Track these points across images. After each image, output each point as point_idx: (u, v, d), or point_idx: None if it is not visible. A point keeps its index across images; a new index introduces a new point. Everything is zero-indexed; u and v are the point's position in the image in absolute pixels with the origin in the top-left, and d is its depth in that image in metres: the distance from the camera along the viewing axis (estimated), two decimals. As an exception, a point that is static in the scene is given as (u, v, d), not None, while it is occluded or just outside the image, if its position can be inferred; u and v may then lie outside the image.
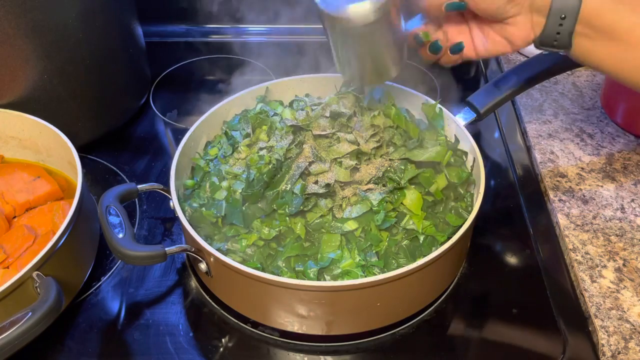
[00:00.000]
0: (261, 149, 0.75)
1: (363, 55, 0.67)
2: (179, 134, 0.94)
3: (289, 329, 0.69)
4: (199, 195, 0.75)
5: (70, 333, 0.70)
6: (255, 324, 0.71)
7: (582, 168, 0.88)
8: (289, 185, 0.70)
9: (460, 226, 0.68)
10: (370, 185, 0.70)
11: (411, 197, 0.70)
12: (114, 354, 0.69)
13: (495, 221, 0.84)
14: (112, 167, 0.93)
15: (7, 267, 0.70)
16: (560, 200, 0.83)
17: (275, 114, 0.80)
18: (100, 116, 0.96)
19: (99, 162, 0.94)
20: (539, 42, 0.65)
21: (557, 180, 0.86)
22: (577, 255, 0.76)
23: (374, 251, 0.67)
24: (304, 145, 0.73)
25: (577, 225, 0.79)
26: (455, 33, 0.69)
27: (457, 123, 0.79)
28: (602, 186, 0.85)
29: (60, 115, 0.87)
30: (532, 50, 1.06)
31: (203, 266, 0.68)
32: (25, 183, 0.80)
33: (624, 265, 0.74)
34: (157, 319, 0.72)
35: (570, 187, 0.85)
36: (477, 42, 0.68)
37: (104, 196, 0.69)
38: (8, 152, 0.87)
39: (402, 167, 0.71)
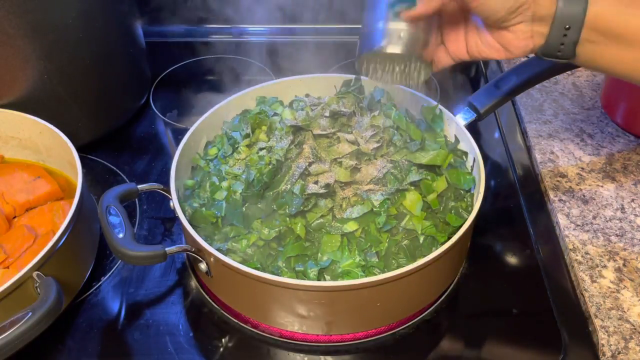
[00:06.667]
0: (261, 149, 0.75)
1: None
2: (179, 134, 0.94)
3: (289, 329, 0.69)
4: (199, 195, 0.75)
5: (70, 333, 0.71)
6: (256, 324, 0.71)
7: (582, 168, 0.88)
8: (289, 186, 0.70)
9: (460, 226, 0.68)
10: (371, 186, 0.70)
11: (411, 198, 0.70)
12: (114, 354, 0.69)
13: (495, 221, 0.84)
14: (112, 167, 0.93)
15: (7, 267, 0.70)
16: (560, 200, 0.83)
17: (275, 114, 0.80)
18: (100, 116, 0.96)
19: (99, 162, 0.94)
20: (541, 53, 0.62)
21: (557, 180, 0.86)
22: (577, 255, 0.76)
23: (374, 251, 0.67)
24: (303, 146, 0.73)
25: (577, 225, 0.79)
26: (451, 31, 0.66)
27: (457, 123, 0.79)
28: (602, 186, 0.85)
29: (60, 115, 0.87)
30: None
31: (203, 266, 0.68)
32: (25, 183, 0.80)
33: (624, 265, 0.74)
34: (157, 319, 0.72)
35: (570, 187, 0.85)
36: (470, 44, 0.65)
37: (104, 196, 0.69)
38: (8, 152, 0.87)
39: (407, 168, 0.71)
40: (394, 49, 0.63)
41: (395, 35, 0.63)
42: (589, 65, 0.63)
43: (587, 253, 0.76)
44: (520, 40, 0.61)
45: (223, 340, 0.71)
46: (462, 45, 0.66)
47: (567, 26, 0.58)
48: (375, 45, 0.64)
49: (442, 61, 0.68)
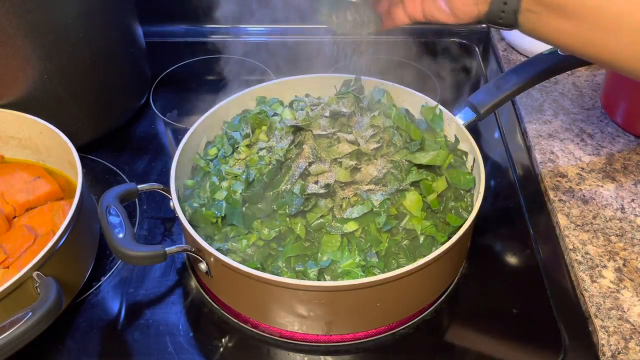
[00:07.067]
0: (261, 149, 0.75)
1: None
2: (179, 134, 0.94)
3: (289, 329, 0.69)
4: (199, 195, 0.75)
5: (70, 333, 0.71)
6: (256, 324, 0.71)
7: (582, 168, 0.88)
8: (289, 186, 0.70)
9: (460, 226, 0.68)
10: (371, 186, 0.70)
11: (411, 199, 0.70)
12: (114, 354, 0.69)
13: (495, 221, 0.84)
14: (112, 167, 0.93)
15: (7, 267, 0.70)
16: (560, 200, 0.83)
17: (275, 114, 0.80)
18: (100, 116, 0.96)
19: (99, 162, 0.94)
20: (485, 20, 0.64)
21: (557, 180, 0.86)
22: (577, 255, 0.76)
23: (374, 251, 0.67)
24: (303, 146, 0.73)
25: (577, 225, 0.79)
26: None
27: (457, 123, 0.79)
28: (602, 186, 0.85)
29: (60, 115, 0.87)
30: (533, 50, 1.07)
31: (203, 266, 0.68)
32: (25, 183, 0.80)
33: (624, 265, 0.74)
34: (157, 319, 0.72)
35: (570, 187, 0.85)
36: (426, 6, 0.68)
37: (104, 196, 0.69)
38: (8, 152, 0.87)
39: (407, 168, 0.71)
40: None
41: None
42: (531, 34, 0.64)
43: (587, 253, 0.76)
44: (467, 6, 0.64)
45: (223, 340, 0.71)
46: (419, 6, 0.69)
47: None
48: None
49: (399, 19, 0.71)
